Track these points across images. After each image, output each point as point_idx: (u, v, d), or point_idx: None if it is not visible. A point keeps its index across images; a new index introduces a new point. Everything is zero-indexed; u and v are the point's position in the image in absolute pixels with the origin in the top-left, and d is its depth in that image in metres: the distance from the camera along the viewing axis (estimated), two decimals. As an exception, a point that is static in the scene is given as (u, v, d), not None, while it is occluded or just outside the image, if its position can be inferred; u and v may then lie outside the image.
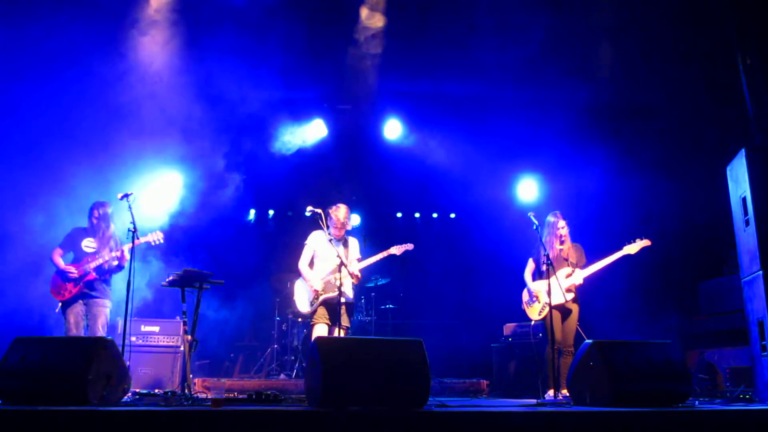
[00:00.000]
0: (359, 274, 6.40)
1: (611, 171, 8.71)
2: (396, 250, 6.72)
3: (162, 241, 6.63)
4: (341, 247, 6.36)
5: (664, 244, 7.37)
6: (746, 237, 5.68)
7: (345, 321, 6.17)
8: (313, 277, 6.38)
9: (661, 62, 8.34)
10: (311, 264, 6.51)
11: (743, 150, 5.67)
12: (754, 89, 7.28)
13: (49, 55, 7.49)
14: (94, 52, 7.65)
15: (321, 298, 6.28)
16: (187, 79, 8.19)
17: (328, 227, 6.32)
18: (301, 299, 6.47)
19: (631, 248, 6.40)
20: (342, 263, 5.97)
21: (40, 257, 6.91)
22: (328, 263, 6.36)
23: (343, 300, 6.04)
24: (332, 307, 6.25)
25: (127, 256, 6.13)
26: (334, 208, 6.41)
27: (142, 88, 7.98)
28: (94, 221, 6.54)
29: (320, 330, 6.25)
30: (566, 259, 6.47)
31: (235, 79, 8.34)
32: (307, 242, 6.52)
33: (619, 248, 6.42)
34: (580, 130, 8.95)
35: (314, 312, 6.32)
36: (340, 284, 5.98)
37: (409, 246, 6.78)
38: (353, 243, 6.59)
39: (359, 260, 6.53)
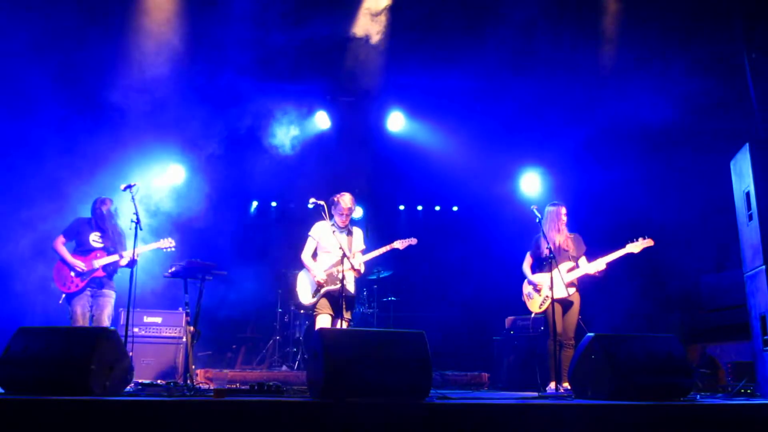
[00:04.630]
0: (361, 269, 6.35)
1: (613, 165, 8.67)
2: (399, 244, 6.67)
3: (174, 248, 6.57)
4: (345, 237, 6.33)
5: (667, 238, 7.34)
6: (749, 231, 5.66)
7: (347, 314, 6.15)
8: (316, 267, 6.35)
9: (664, 57, 8.30)
10: (314, 256, 6.46)
11: (747, 144, 5.65)
12: (758, 83, 7.26)
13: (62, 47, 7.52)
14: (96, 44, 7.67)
15: (323, 290, 6.27)
16: (189, 73, 8.18)
17: (331, 217, 6.30)
18: (304, 291, 6.44)
19: (634, 247, 6.31)
20: (345, 255, 5.95)
21: (44, 245, 6.90)
22: (332, 255, 6.31)
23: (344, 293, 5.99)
24: (334, 299, 6.24)
25: (137, 256, 5.92)
26: (338, 195, 6.35)
27: (144, 81, 7.98)
28: (100, 215, 6.47)
29: (323, 320, 6.21)
30: (566, 251, 6.45)
31: (239, 71, 8.33)
32: (310, 233, 6.44)
33: (622, 244, 6.35)
34: (583, 124, 8.91)
35: (316, 303, 6.30)
36: (343, 277, 5.96)
37: (413, 240, 6.75)
38: (357, 233, 6.52)
39: (363, 252, 6.48)
